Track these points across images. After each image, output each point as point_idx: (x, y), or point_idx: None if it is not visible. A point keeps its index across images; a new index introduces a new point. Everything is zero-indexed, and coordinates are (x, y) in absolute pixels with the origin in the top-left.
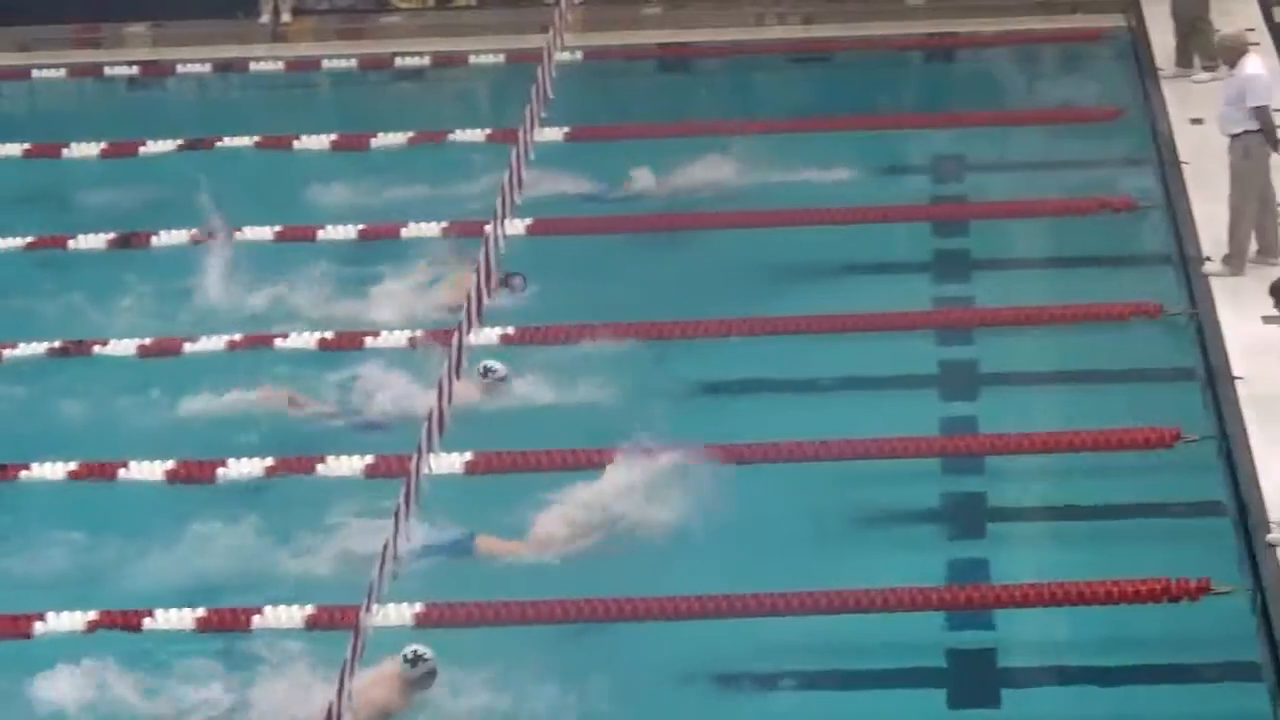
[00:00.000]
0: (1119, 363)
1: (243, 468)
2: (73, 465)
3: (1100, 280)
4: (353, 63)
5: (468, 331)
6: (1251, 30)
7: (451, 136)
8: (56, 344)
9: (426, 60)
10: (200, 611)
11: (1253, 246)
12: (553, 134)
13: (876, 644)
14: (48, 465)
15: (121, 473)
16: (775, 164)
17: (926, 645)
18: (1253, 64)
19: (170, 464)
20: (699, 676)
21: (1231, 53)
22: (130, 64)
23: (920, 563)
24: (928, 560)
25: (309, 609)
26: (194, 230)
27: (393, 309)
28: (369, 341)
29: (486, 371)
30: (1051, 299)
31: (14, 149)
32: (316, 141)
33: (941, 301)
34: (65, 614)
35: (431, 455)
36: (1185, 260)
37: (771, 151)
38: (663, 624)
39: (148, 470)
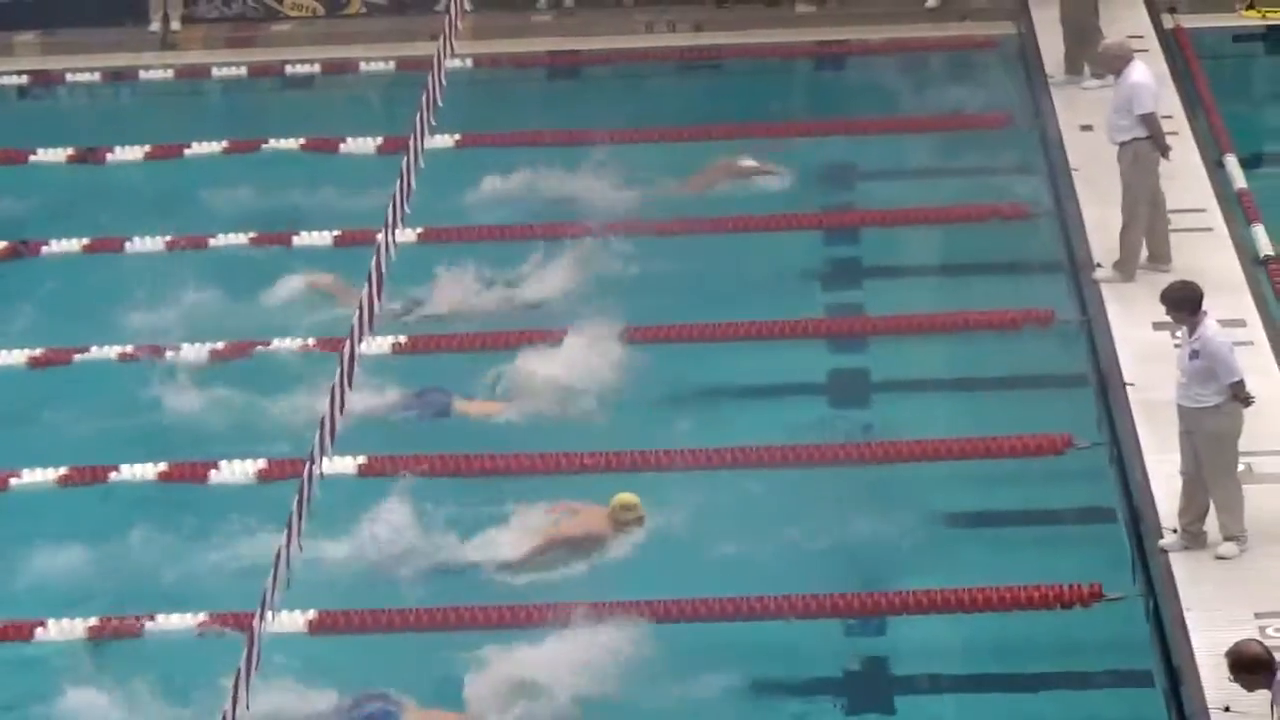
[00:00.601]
0: (1011, 370)
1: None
2: None
3: (992, 287)
4: (243, 70)
5: (359, 340)
6: (1140, 37)
7: (342, 145)
8: None
9: (317, 68)
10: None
11: (1143, 253)
12: (443, 141)
13: (769, 649)
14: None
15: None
16: (666, 171)
17: (822, 651)
18: (1138, 71)
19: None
20: None
21: (1116, 61)
22: (19, 73)
23: (815, 569)
24: (823, 566)
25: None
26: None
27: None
28: (259, 350)
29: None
30: (943, 306)
31: None
32: (207, 149)
33: (833, 309)
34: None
35: (325, 459)
36: (1076, 266)
37: (662, 159)
38: None
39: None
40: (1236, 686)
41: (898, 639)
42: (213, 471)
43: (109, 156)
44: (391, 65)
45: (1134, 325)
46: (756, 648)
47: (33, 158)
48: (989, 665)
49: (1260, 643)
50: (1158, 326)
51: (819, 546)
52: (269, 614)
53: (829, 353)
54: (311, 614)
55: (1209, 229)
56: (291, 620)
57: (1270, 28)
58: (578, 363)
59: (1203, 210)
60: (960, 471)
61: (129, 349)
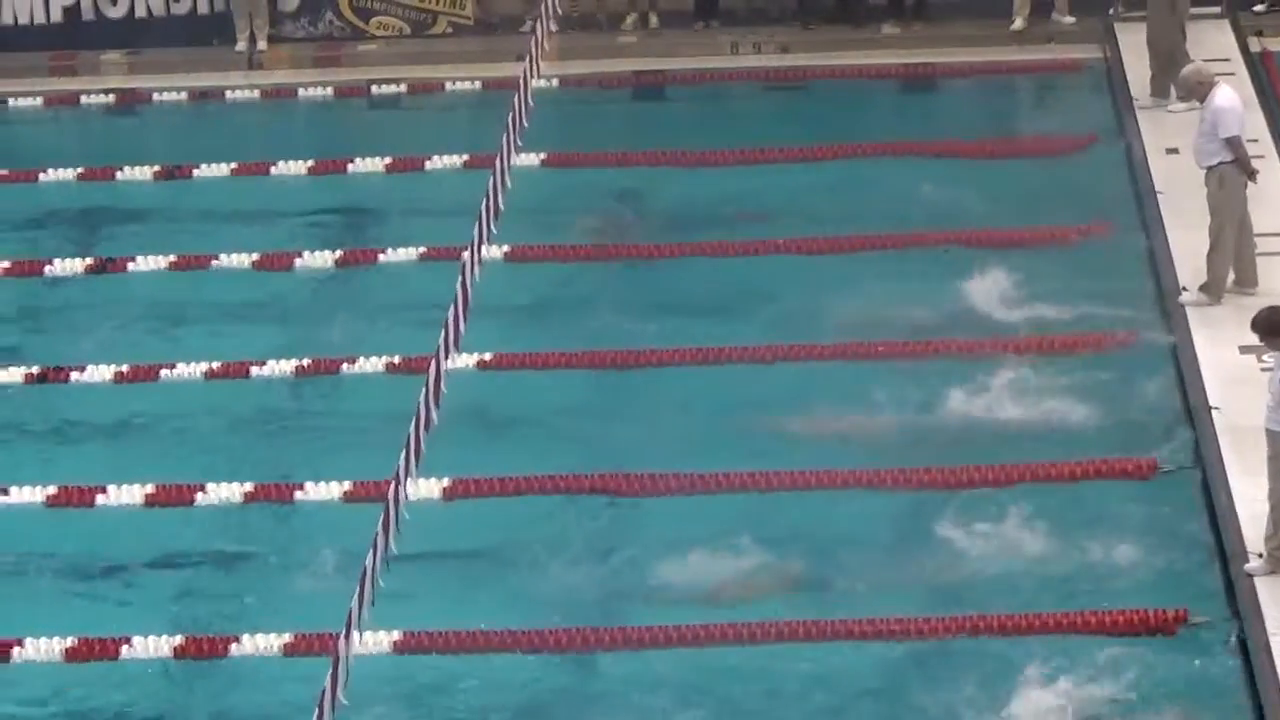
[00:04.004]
0: (1097, 393)
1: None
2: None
3: (1077, 310)
4: (329, 91)
5: (445, 358)
6: (1226, 60)
7: (428, 163)
8: (34, 370)
9: (403, 88)
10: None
11: (1229, 276)
12: (529, 160)
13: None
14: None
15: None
16: (753, 192)
17: (910, 673)
18: (1223, 95)
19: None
20: None
21: (1198, 88)
22: (107, 91)
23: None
24: (901, 586)
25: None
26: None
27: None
28: (345, 369)
29: None
30: (1028, 329)
31: None
32: (293, 168)
33: (918, 332)
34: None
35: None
36: (1161, 290)
37: (750, 180)
38: None
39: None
40: None
41: (981, 659)
42: (298, 492)
43: (195, 174)
44: (477, 85)
45: (1220, 349)
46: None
47: (119, 175)
48: (1072, 688)
49: None
50: (1244, 350)
51: (915, 571)
52: (355, 634)
53: (910, 376)
54: (396, 634)
55: None
56: (377, 640)
57: None
58: None
59: None
60: (1048, 495)
61: (214, 366)
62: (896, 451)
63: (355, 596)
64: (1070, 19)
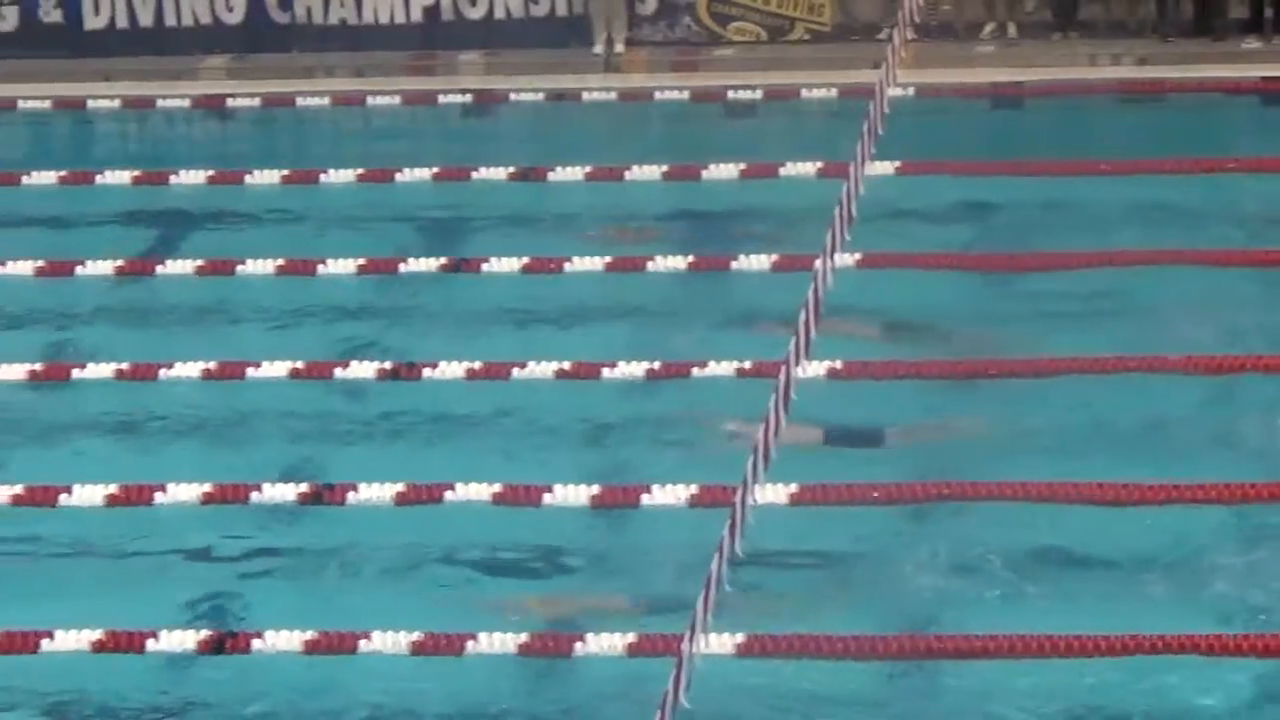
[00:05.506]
0: None
1: (567, 494)
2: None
3: None
4: (685, 95)
5: (795, 365)
6: None
7: (781, 170)
8: (387, 365)
9: (759, 94)
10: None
11: None
12: (883, 168)
13: None
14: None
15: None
16: (1108, 206)
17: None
18: None
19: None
20: None
21: None
22: (463, 91)
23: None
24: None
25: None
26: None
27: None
28: (695, 372)
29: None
30: None
31: (348, 174)
32: (647, 172)
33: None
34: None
35: (757, 486)
36: None
37: (1105, 193)
38: None
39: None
40: None
41: (1161, 683)
42: (644, 495)
43: (549, 176)
44: (833, 92)
45: None
46: None
47: (475, 175)
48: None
49: None
50: None
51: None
52: (700, 636)
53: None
54: (740, 637)
55: None
56: (720, 643)
57: None
58: None
59: None
60: (1236, 516)
61: (565, 366)
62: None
63: (700, 599)
64: None
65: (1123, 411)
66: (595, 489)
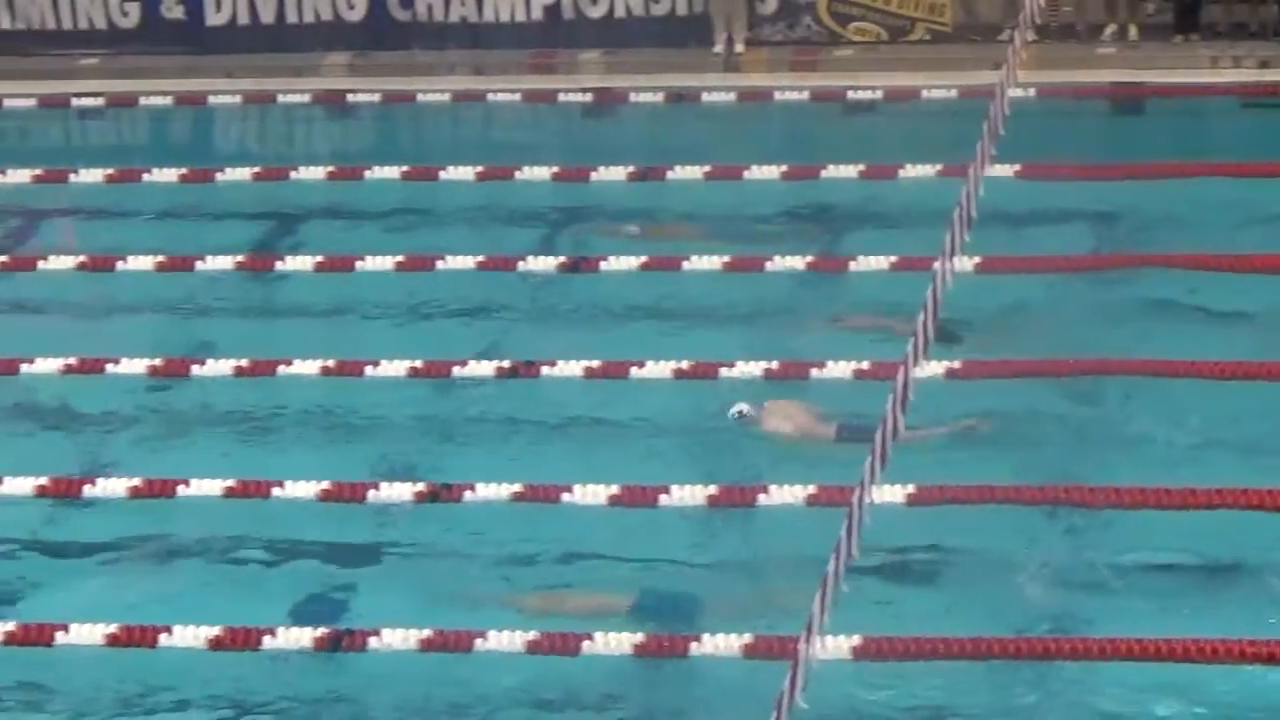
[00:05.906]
0: None
1: (684, 494)
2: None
3: None
4: (805, 95)
5: (913, 365)
6: None
7: (901, 171)
8: (505, 364)
9: (879, 94)
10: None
11: None
12: (1003, 170)
13: None
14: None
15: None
16: (1229, 206)
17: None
18: None
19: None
20: None
21: None
22: (583, 90)
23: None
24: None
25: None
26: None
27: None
28: (814, 374)
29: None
30: None
31: (467, 172)
32: (766, 172)
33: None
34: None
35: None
36: None
37: (1224, 195)
38: None
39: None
40: None
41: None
42: (761, 495)
43: (668, 175)
44: (953, 93)
45: None
46: None
47: (593, 175)
48: None
49: None
50: None
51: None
52: (816, 638)
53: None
54: (856, 639)
55: None
56: (836, 645)
57: None
58: None
59: None
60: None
61: (684, 365)
62: None
63: (816, 600)
64: None
65: (1245, 417)
66: (713, 489)
